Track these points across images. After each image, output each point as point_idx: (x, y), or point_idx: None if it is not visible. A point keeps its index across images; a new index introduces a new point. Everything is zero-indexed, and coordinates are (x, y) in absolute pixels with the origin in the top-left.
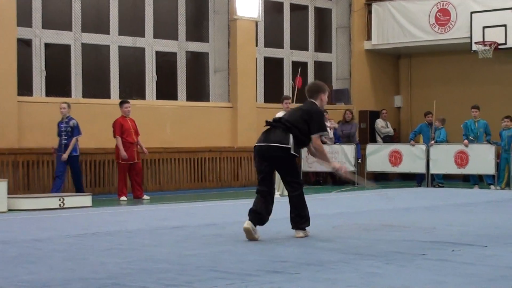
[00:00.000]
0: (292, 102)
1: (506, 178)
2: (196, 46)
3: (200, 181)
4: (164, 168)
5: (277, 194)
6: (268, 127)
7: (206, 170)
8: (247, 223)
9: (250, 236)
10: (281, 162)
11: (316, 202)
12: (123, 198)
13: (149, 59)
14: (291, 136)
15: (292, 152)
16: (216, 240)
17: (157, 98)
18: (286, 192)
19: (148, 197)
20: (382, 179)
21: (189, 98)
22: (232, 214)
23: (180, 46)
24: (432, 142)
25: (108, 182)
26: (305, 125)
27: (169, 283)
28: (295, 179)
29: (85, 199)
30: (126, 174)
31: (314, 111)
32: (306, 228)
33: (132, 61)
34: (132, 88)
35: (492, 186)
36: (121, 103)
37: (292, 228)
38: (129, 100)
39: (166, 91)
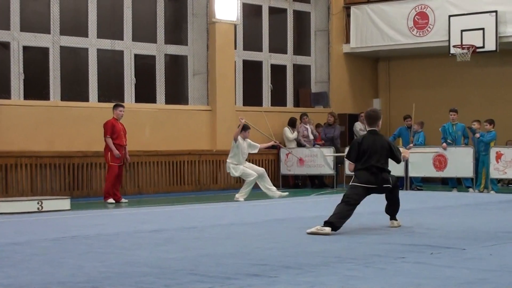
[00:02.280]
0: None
1: (483, 181)
2: (175, 49)
3: (179, 184)
4: (143, 171)
5: (241, 199)
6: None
7: (185, 173)
8: None
9: None
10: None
11: (295, 205)
12: (111, 200)
13: (128, 62)
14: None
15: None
16: (196, 244)
17: (136, 101)
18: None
19: (126, 201)
20: None
21: (168, 101)
22: (211, 218)
23: (159, 49)
24: (411, 145)
25: (87, 185)
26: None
27: (148, 286)
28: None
29: (64, 203)
30: (115, 176)
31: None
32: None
33: (110, 64)
34: (111, 91)
35: (470, 189)
36: (115, 106)
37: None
38: (123, 104)
39: (145, 94)
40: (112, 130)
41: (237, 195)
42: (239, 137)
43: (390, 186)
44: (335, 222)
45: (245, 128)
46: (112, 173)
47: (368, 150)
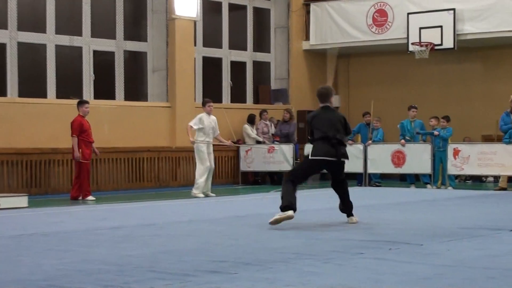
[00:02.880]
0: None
1: (440, 177)
2: (134, 45)
3: (139, 181)
4: (102, 168)
5: (200, 194)
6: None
7: (144, 170)
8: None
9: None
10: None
11: (255, 201)
12: (90, 197)
13: (87, 58)
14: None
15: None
16: (155, 241)
17: (95, 97)
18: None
19: (93, 198)
20: (321, 178)
21: (127, 97)
22: (171, 214)
23: (118, 45)
24: (370, 142)
25: (44, 182)
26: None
27: (107, 284)
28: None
29: (21, 200)
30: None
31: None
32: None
33: (69, 60)
34: (69, 87)
35: (428, 185)
36: (80, 103)
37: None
38: (88, 100)
39: (104, 90)
40: (81, 128)
41: (193, 191)
42: (203, 113)
43: (348, 160)
44: (291, 204)
45: (205, 102)
46: (86, 170)
47: (326, 123)
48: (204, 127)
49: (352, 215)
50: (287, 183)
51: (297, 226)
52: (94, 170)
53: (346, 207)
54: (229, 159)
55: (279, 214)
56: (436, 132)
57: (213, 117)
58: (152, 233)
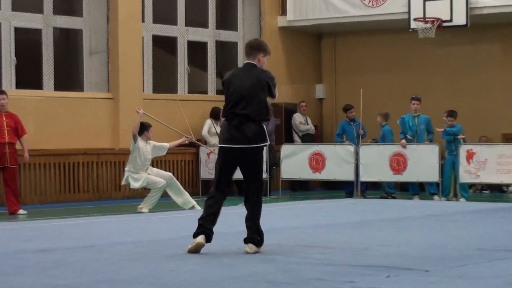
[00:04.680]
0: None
1: (452, 186)
2: (66, 22)
3: (72, 192)
4: (25, 175)
5: (145, 210)
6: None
7: (79, 178)
8: None
9: None
10: None
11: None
12: (22, 211)
13: (6, 38)
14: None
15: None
16: (93, 266)
17: (17, 87)
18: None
19: (25, 212)
20: (300, 188)
21: (58, 87)
22: (113, 233)
23: (46, 22)
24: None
25: None
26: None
27: None
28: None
29: None
30: None
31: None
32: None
33: None
34: None
35: (435, 197)
36: None
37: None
38: (4, 90)
39: (28, 78)
40: None
41: (140, 205)
42: (139, 139)
43: (257, 147)
44: (202, 227)
45: (145, 127)
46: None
47: (236, 91)
48: (138, 157)
49: (253, 242)
50: (207, 198)
51: (272, 247)
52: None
53: (250, 220)
54: (187, 164)
55: (191, 243)
56: (438, 129)
57: (152, 143)
58: (89, 257)
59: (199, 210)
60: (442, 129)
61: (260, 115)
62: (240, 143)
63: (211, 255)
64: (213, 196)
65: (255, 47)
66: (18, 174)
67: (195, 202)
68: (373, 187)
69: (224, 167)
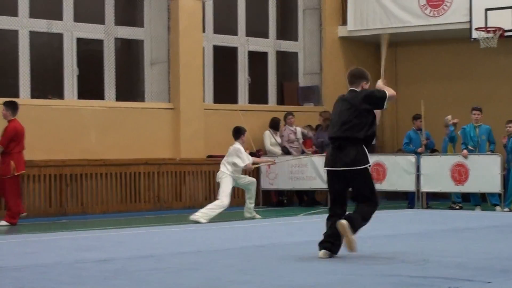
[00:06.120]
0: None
1: None
2: (127, 32)
3: (133, 201)
4: (87, 185)
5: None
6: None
7: (141, 188)
8: None
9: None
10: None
11: (279, 227)
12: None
13: (69, 48)
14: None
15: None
16: (153, 277)
17: (79, 97)
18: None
19: (5, 223)
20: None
21: (119, 97)
22: (173, 243)
23: (107, 32)
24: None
25: None
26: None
27: None
28: None
29: None
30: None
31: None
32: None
33: (47, 50)
34: (47, 84)
35: (498, 207)
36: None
37: None
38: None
39: (90, 88)
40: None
41: (195, 215)
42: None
43: (357, 169)
44: (323, 242)
45: (242, 131)
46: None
47: (336, 116)
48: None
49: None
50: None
51: (332, 257)
52: (77, 188)
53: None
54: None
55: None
56: (504, 139)
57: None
58: (150, 267)
59: (264, 220)
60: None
61: (357, 133)
62: (334, 165)
63: (270, 266)
64: (329, 216)
65: (358, 76)
66: (81, 185)
67: (258, 216)
68: (436, 197)
69: (332, 190)
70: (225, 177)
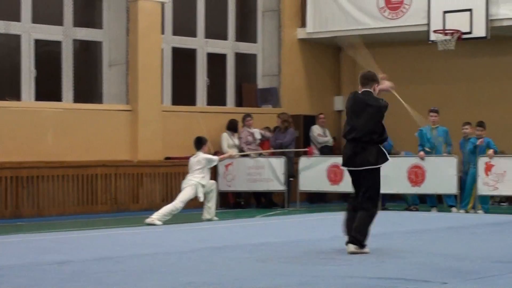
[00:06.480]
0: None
1: (473, 198)
2: (86, 34)
3: (91, 203)
4: (44, 187)
5: (158, 222)
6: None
7: (98, 190)
8: None
9: None
10: None
11: (237, 229)
12: None
13: (26, 50)
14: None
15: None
16: (111, 279)
17: (36, 98)
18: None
19: None
20: (318, 200)
21: (77, 99)
22: (131, 245)
23: (66, 33)
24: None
25: None
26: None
27: None
28: None
29: None
30: None
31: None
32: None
33: (4, 51)
34: (4, 85)
35: (453, 209)
36: None
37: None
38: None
39: (48, 90)
40: None
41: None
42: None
43: (372, 168)
44: (346, 235)
45: (204, 141)
46: None
47: (350, 114)
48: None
49: (354, 243)
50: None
51: (288, 259)
52: (33, 190)
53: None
54: None
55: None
56: (480, 140)
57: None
58: (108, 269)
59: (222, 221)
60: (481, 142)
61: (374, 136)
62: (352, 165)
63: (227, 268)
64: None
65: (371, 79)
66: (37, 188)
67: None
68: (393, 198)
69: (353, 184)
70: (190, 185)
